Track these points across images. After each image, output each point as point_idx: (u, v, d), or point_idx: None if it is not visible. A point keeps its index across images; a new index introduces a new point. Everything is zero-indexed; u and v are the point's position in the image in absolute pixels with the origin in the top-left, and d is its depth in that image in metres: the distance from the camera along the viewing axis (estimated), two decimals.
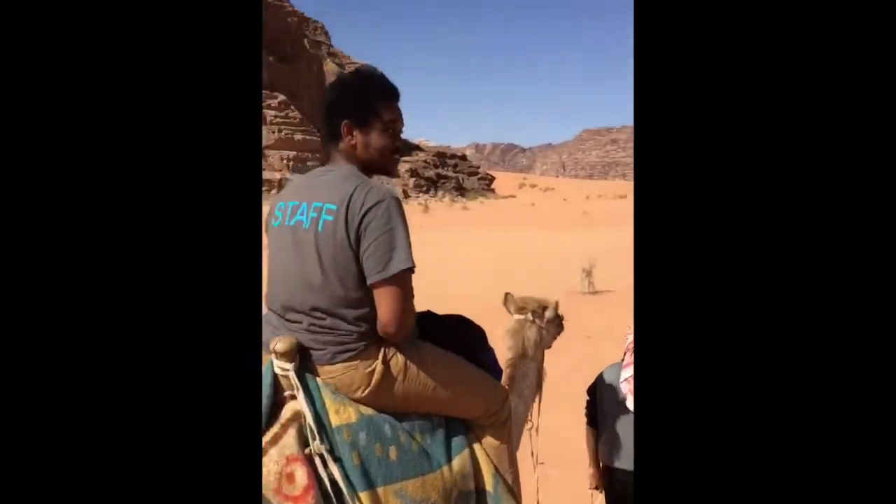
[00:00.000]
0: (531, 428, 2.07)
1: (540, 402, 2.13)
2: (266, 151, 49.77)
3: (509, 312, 2.18)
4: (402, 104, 1.59)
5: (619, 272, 9.73)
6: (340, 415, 1.39)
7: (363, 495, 1.35)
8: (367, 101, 1.53)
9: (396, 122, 1.56)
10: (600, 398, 2.22)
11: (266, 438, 1.32)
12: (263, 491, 1.27)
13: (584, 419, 2.31)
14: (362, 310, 1.41)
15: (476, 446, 1.63)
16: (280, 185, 42.49)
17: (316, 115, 54.19)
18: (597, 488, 2.27)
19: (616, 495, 2.17)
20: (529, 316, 2.11)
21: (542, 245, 17.40)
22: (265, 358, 1.48)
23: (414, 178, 61.06)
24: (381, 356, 1.45)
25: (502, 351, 2.02)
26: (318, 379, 1.42)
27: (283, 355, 1.38)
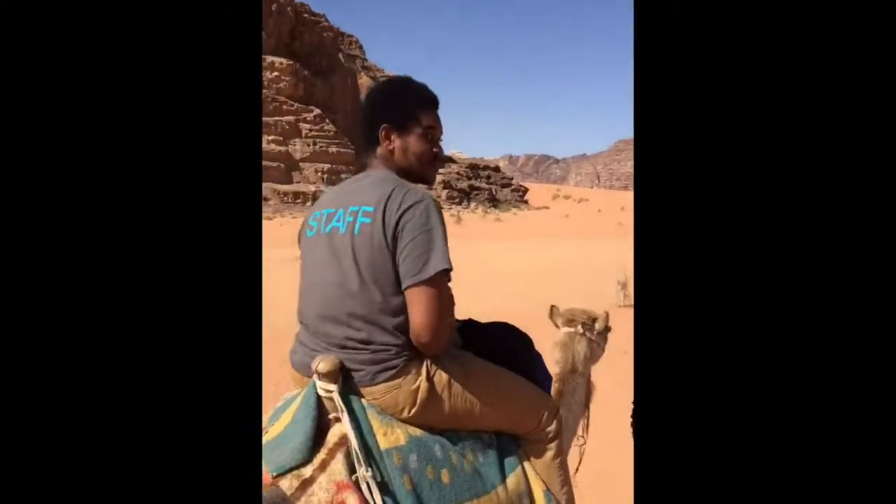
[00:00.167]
0: (582, 445, 1.98)
1: (588, 418, 2.05)
2: (301, 164, 50.67)
3: (556, 325, 2.09)
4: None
5: None
6: (389, 437, 1.33)
7: None
8: (406, 105, 1.50)
9: (435, 128, 1.52)
10: None
11: (314, 465, 1.26)
12: None
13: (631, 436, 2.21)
14: (400, 318, 1.35)
15: (526, 464, 1.56)
16: (314, 197, 43.14)
17: (350, 128, 55.10)
18: None
19: None
20: (579, 329, 2.02)
21: (576, 257, 17.19)
22: (302, 380, 1.44)
23: (447, 190, 61.28)
24: (423, 373, 1.38)
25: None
26: (362, 400, 1.36)
27: (326, 376, 1.32)
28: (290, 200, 45.40)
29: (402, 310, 1.34)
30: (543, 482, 1.56)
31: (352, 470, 1.26)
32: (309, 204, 43.00)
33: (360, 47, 76.20)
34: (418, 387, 1.37)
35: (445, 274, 1.33)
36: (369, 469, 1.26)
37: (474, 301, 7.88)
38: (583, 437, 1.99)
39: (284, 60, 53.77)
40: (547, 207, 70.89)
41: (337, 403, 1.31)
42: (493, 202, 66.21)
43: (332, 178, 47.77)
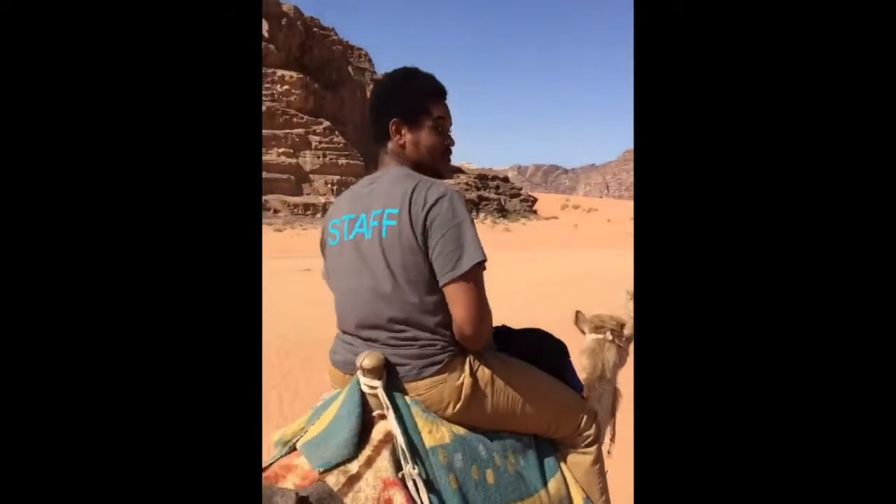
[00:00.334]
0: (607, 452, 1.98)
1: (614, 426, 2.04)
2: (311, 176, 50.89)
3: (582, 332, 2.05)
4: None
5: None
6: (434, 435, 1.31)
7: None
8: (415, 98, 1.48)
9: (445, 119, 1.50)
10: None
11: (360, 461, 1.24)
12: None
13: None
14: (440, 316, 1.34)
15: (565, 469, 1.54)
16: (324, 208, 43.26)
17: (360, 140, 55.33)
18: None
19: None
20: (608, 335, 1.98)
21: (585, 266, 17.08)
22: (343, 379, 1.42)
23: None
24: (467, 369, 1.37)
25: None
26: (406, 397, 1.34)
27: (371, 372, 1.30)
28: (300, 212, 45.61)
29: (440, 307, 1.34)
30: (583, 489, 1.53)
31: (397, 467, 1.24)
32: (319, 216, 43.12)
33: (370, 60, 76.61)
34: (462, 382, 1.36)
35: (480, 265, 1.32)
36: (416, 466, 1.24)
37: None
38: (610, 444, 1.95)
39: (294, 74, 54.23)
40: (556, 217, 70.71)
41: (382, 400, 1.30)
42: (502, 212, 66.16)
43: (342, 190, 46.95)
